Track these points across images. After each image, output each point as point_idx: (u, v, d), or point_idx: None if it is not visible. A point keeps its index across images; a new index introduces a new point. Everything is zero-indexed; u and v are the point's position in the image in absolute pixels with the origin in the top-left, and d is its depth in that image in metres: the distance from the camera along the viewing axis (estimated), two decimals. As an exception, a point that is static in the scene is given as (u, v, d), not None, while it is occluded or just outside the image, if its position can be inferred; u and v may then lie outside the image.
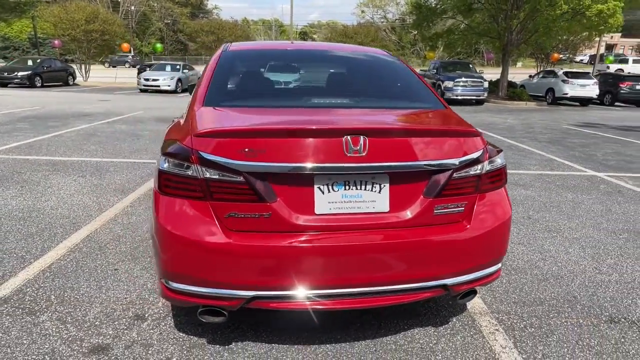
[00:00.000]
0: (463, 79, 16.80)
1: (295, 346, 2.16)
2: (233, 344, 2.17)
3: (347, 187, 1.81)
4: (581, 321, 2.45)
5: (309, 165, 1.73)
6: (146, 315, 2.39)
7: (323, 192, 1.79)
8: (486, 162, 1.97)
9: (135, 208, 4.08)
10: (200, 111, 2.07)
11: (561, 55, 29.40)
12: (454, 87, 16.66)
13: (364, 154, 1.75)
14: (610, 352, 2.19)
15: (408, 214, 1.86)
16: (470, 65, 21.16)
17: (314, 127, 1.77)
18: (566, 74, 17.78)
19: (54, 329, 2.25)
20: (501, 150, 2.12)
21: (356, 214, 1.82)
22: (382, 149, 1.78)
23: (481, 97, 17.01)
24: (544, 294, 2.73)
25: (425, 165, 1.83)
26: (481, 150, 1.95)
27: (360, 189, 1.82)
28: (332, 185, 1.80)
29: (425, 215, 1.87)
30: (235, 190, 1.74)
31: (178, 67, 20.32)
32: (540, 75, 20.13)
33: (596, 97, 17.29)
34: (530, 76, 21.76)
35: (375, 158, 1.77)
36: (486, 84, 17.15)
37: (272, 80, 2.63)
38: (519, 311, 2.52)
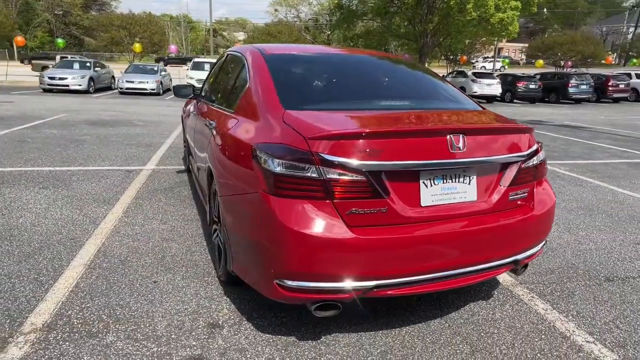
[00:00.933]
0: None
1: (381, 331, 2.32)
2: (323, 337, 2.26)
3: (445, 181, 2.03)
4: (588, 282, 2.95)
5: (420, 162, 1.92)
6: (220, 322, 2.37)
7: (427, 186, 1.99)
8: (539, 154, 2.31)
9: (133, 218, 3.84)
10: (289, 115, 2.12)
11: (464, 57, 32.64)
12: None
13: (463, 151, 1.98)
14: (621, 304, 2.68)
15: (491, 201, 2.13)
16: None
17: (424, 128, 1.96)
18: (474, 74, 19.84)
19: (131, 348, 2.14)
20: (542, 145, 2.49)
21: (452, 204, 2.04)
22: (474, 145, 2.02)
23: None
24: (550, 265, 3.20)
25: (506, 158, 2.12)
26: (536, 144, 2.30)
27: (455, 181, 2.05)
28: (434, 180, 2.00)
29: (503, 201, 2.16)
30: (356, 189, 1.86)
31: (88, 64, 18.53)
32: (453, 75, 22.11)
33: (499, 95, 19.54)
34: (442, 76, 23.79)
35: (470, 154, 2.01)
36: None
37: (334, 84, 2.72)
38: (540, 280, 2.95)
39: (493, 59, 31.50)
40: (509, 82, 20.20)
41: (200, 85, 4.43)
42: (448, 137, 1.96)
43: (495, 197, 2.14)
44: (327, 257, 1.84)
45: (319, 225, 1.83)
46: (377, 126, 1.97)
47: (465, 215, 2.06)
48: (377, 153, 1.86)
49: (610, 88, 20.73)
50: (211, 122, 2.92)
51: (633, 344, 2.29)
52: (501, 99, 20.39)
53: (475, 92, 19.02)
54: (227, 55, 3.61)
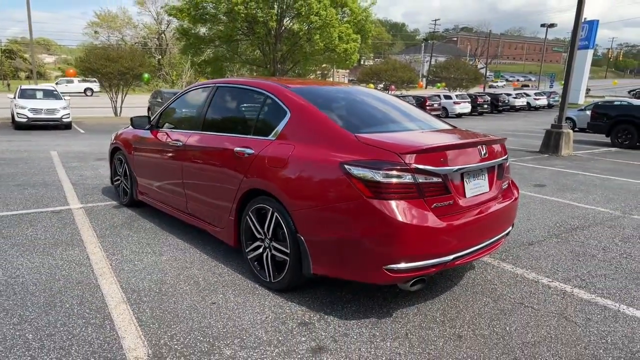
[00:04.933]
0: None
1: (429, 301, 2.98)
2: (394, 313, 2.81)
3: (475, 179, 2.84)
4: (520, 247, 4.12)
5: (469, 165, 2.70)
6: (306, 320, 2.70)
7: (467, 183, 2.77)
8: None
9: (121, 255, 3.68)
10: (362, 137, 2.65)
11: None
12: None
13: (486, 156, 2.84)
14: (548, 257, 3.89)
15: (495, 190, 3.03)
16: None
17: (470, 141, 2.76)
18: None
19: (256, 355, 2.34)
20: None
21: (479, 195, 2.86)
22: (488, 152, 2.90)
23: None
24: (490, 239, 4.33)
25: (501, 160, 3.05)
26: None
27: (478, 178, 2.88)
28: (470, 178, 2.80)
29: (500, 190, 3.08)
30: (436, 188, 2.53)
31: None
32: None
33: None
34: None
35: (487, 158, 2.87)
36: None
37: (360, 111, 3.28)
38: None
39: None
40: (420, 102, 23.64)
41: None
42: (479, 147, 2.79)
43: (497, 187, 3.05)
44: (427, 240, 2.45)
45: (420, 217, 2.43)
46: (441, 141, 2.67)
47: (486, 201, 2.91)
48: (446, 161, 2.58)
49: (427, 107, 25.44)
50: (242, 149, 3.18)
51: (572, 278, 3.46)
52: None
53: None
54: (219, 88, 3.81)
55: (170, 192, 4.17)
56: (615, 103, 16.97)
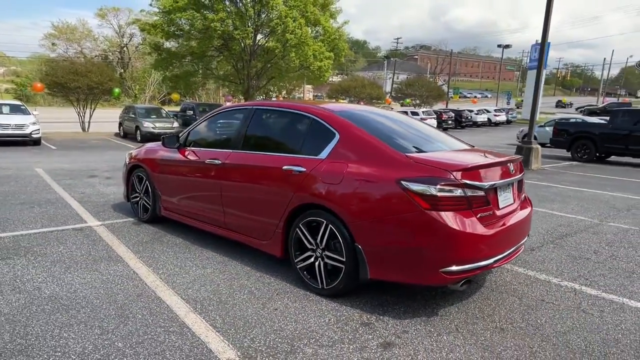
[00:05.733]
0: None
1: (465, 300, 3.36)
2: (441, 310, 3.17)
3: (504, 192, 3.27)
4: (527, 252, 4.61)
5: (504, 180, 3.13)
6: (365, 320, 3.01)
7: (500, 196, 3.19)
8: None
9: (165, 269, 3.84)
10: (413, 157, 3.02)
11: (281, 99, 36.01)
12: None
13: (514, 172, 3.28)
14: (551, 260, 4.39)
15: (518, 202, 3.48)
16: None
17: (503, 159, 3.20)
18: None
19: (335, 351, 2.62)
20: None
21: (507, 206, 3.30)
22: (514, 169, 3.35)
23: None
24: (497, 246, 4.80)
25: (521, 175, 3.51)
26: (522, 167, 3.79)
27: (507, 192, 3.32)
28: (502, 191, 3.23)
29: (520, 202, 3.54)
30: (480, 200, 2.93)
31: None
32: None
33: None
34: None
35: (514, 174, 3.32)
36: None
37: (402, 133, 3.64)
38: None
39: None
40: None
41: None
42: (508, 164, 3.24)
43: (518, 199, 3.51)
44: (476, 245, 2.83)
45: (470, 225, 2.82)
46: (480, 160, 3.09)
47: (512, 212, 3.35)
48: (487, 177, 2.99)
49: (398, 124, 26.54)
50: (291, 167, 3.46)
51: (577, 277, 3.96)
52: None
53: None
54: (257, 110, 4.08)
55: (205, 208, 4.36)
56: (571, 120, 18.42)
